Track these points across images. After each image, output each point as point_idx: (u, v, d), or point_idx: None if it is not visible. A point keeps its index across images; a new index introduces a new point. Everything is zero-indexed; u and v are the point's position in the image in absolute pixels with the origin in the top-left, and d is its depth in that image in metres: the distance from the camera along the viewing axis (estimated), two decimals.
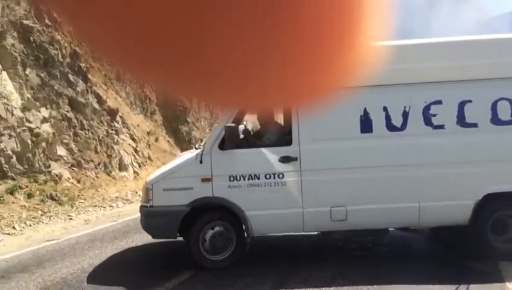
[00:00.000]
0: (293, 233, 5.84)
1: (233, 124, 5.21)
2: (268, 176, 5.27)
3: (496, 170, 5.19)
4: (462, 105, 5.21)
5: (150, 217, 5.46)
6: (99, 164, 12.71)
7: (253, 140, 5.69)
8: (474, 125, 5.20)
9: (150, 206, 5.39)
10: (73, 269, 5.55)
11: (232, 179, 5.26)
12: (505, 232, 5.42)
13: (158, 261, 5.94)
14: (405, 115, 5.20)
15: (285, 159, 5.27)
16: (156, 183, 5.37)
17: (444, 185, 5.19)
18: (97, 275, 5.35)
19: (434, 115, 5.18)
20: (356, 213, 5.24)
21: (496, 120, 5.18)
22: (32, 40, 11.97)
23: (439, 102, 5.21)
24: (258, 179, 5.26)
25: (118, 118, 15.04)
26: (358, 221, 5.30)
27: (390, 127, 5.22)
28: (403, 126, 5.21)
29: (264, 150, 5.36)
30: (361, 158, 5.23)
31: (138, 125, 16.36)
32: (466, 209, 5.23)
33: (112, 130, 14.40)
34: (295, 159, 5.26)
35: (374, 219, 5.29)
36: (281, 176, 5.27)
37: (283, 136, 5.56)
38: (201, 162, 5.27)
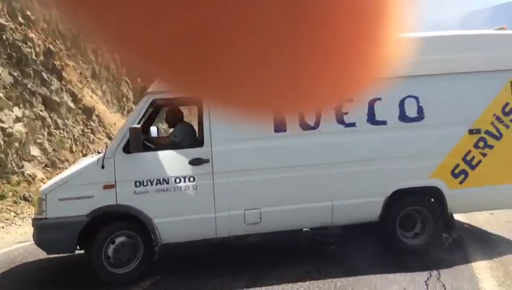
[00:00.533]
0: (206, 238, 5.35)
1: (138, 126, 4.93)
2: (178, 180, 5.00)
3: (403, 167, 5.30)
4: (372, 103, 5.26)
5: (44, 231, 4.89)
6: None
7: (161, 142, 5.50)
8: (384, 122, 5.27)
9: (44, 218, 4.83)
10: (46, 270, 5.47)
11: (138, 184, 4.91)
12: (413, 227, 5.58)
13: None
14: (318, 113, 5.08)
15: (196, 162, 5.02)
16: (50, 193, 4.85)
17: (355, 182, 5.25)
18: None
19: (346, 113, 5.15)
20: (270, 215, 5.14)
21: (403, 117, 5.28)
22: (4, 38, 11.69)
23: (350, 100, 5.20)
24: (167, 183, 4.97)
25: (94, 117, 14.82)
26: (273, 223, 5.22)
27: (304, 125, 5.17)
28: (316, 125, 5.18)
29: (173, 152, 5.10)
30: (275, 158, 5.16)
31: (115, 124, 16.13)
32: (376, 206, 5.32)
33: (88, 128, 14.18)
34: (207, 161, 5.03)
35: (288, 220, 5.24)
36: (191, 179, 5.01)
37: (193, 137, 5.45)
38: (103, 167, 4.87)
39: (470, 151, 5.39)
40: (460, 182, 5.41)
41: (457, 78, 5.36)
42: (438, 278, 4.66)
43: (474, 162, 5.40)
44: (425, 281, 4.59)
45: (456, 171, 5.40)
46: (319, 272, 5.01)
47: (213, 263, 5.46)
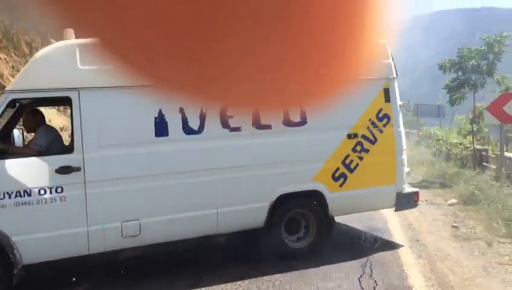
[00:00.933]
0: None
1: None
2: (42, 192, 4.38)
3: (287, 171, 5.30)
4: None
5: None
6: None
7: (23, 149, 4.97)
8: (268, 127, 5.19)
9: None
10: None
11: None
12: (298, 231, 5.64)
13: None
14: (202, 117, 4.95)
15: (65, 170, 4.45)
16: None
17: (241, 189, 5.13)
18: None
19: (231, 117, 4.90)
20: (151, 226, 4.77)
21: (287, 121, 5.25)
22: None
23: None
24: (29, 195, 4.34)
25: None
26: (154, 235, 4.84)
27: (187, 130, 4.92)
28: (200, 129, 4.96)
29: (37, 159, 4.47)
30: (156, 165, 4.82)
31: (50, 121, 15.41)
32: (262, 211, 5.24)
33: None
34: (77, 169, 4.50)
35: (170, 231, 4.90)
36: (59, 190, 4.43)
37: (59, 142, 4.99)
38: None
39: (348, 155, 5.55)
40: (340, 185, 5.54)
41: None
42: (371, 275, 4.87)
43: (352, 166, 5.57)
44: (359, 278, 4.79)
45: (337, 175, 5.51)
46: (257, 271, 5.07)
47: (151, 268, 5.36)
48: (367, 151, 5.61)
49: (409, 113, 32.87)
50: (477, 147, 12.68)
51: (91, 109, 4.57)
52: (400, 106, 5.83)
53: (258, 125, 5.13)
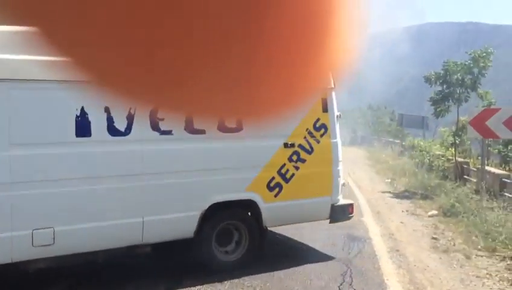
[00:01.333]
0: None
1: None
2: None
3: (221, 179, 5.08)
4: None
5: None
6: None
7: None
8: (202, 131, 4.83)
9: None
10: None
11: None
12: (230, 242, 5.39)
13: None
14: (130, 117, 4.53)
15: None
16: None
17: (170, 196, 4.83)
18: None
19: (162, 119, 4.53)
20: (66, 235, 4.34)
21: (222, 127, 4.91)
22: None
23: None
24: None
25: None
26: (70, 244, 4.39)
27: (113, 131, 4.53)
28: (127, 130, 4.59)
29: None
30: (75, 167, 4.43)
31: None
32: (192, 221, 4.95)
33: None
34: None
35: (89, 240, 4.47)
36: None
37: None
38: None
39: (284, 165, 5.40)
40: (275, 195, 5.38)
41: None
42: (351, 284, 4.91)
43: (288, 176, 5.43)
44: (339, 287, 4.82)
45: (272, 185, 5.35)
46: (243, 269, 5.06)
47: (127, 276, 5.31)
48: (303, 161, 5.51)
49: (393, 123, 33.24)
50: (459, 159, 12.87)
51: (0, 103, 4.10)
52: (337, 116, 5.78)
53: (191, 129, 4.79)
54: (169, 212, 4.80)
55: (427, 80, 12.63)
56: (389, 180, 14.01)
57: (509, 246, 6.13)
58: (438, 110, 12.56)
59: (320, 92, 5.56)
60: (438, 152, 15.48)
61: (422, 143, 17.87)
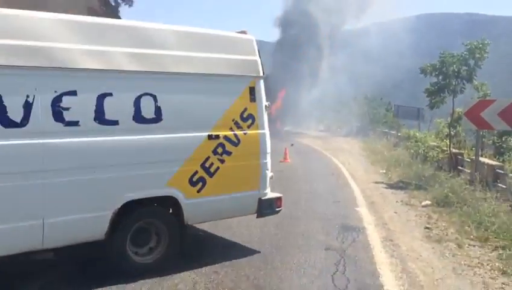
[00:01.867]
0: None
1: None
2: None
3: (136, 174, 4.66)
4: (101, 98, 4.44)
5: None
6: None
7: None
8: (115, 122, 4.51)
9: None
10: None
11: None
12: (147, 242, 4.94)
13: None
14: (28, 106, 4.07)
15: None
16: None
17: (76, 195, 4.34)
18: None
19: (67, 109, 4.23)
20: None
21: (138, 118, 4.63)
22: None
23: (73, 93, 4.30)
24: None
25: None
26: None
27: (7, 121, 3.98)
28: (25, 121, 4.06)
29: None
30: None
31: None
32: (102, 222, 4.47)
33: None
34: None
35: None
36: None
37: None
38: None
39: (208, 158, 5.10)
40: (198, 191, 5.05)
41: (196, 79, 5.07)
42: (344, 273, 4.95)
43: (212, 169, 5.12)
44: (332, 276, 4.86)
45: (194, 179, 5.02)
46: (229, 264, 5.09)
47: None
48: (229, 153, 5.23)
49: (389, 114, 33.27)
50: (454, 150, 12.93)
51: None
52: (265, 106, 5.57)
53: (102, 120, 4.43)
54: (75, 213, 4.32)
55: (423, 71, 12.63)
56: (384, 170, 14.07)
57: (501, 236, 6.19)
58: (433, 101, 12.58)
59: (247, 81, 5.38)
60: (432, 143, 15.54)
61: (417, 134, 17.92)
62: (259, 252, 5.64)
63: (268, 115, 5.71)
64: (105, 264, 4.75)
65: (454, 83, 12.04)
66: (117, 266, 4.69)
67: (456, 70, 11.97)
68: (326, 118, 45.43)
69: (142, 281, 4.59)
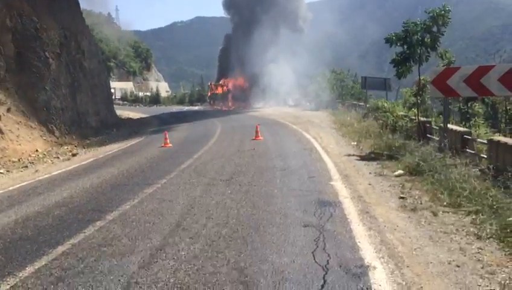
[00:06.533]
0: None
1: None
2: None
3: None
4: None
5: None
6: None
7: None
8: None
9: None
10: None
11: None
12: None
13: None
14: None
15: None
16: None
17: None
18: None
19: None
20: None
21: None
22: None
23: None
24: None
25: None
26: None
27: None
28: None
29: None
30: None
31: None
32: None
33: None
34: None
35: None
36: None
37: None
38: None
39: None
40: None
41: None
42: (324, 249, 4.94)
43: None
44: (313, 253, 4.84)
45: None
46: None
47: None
48: None
49: (356, 86, 33.56)
50: (422, 119, 13.12)
51: None
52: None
53: None
54: None
55: (388, 41, 12.65)
56: (355, 142, 14.20)
57: (473, 201, 6.31)
58: (399, 71, 12.65)
59: None
60: (401, 113, 15.75)
61: (385, 104, 18.13)
62: (237, 233, 5.57)
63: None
64: None
65: (419, 51, 12.13)
66: None
67: (420, 38, 12.05)
68: (295, 93, 45.54)
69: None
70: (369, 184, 8.29)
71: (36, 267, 4.82)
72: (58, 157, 14.31)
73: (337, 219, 6.06)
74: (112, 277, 4.41)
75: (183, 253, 4.96)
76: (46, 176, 10.99)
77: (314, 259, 4.68)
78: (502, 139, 8.19)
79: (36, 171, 11.91)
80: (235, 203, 7.06)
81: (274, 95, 45.81)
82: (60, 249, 5.33)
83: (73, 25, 22.99)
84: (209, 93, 56.24)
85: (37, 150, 15.01)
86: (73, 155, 14.78)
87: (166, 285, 4.18)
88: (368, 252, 4.84)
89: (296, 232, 5.54)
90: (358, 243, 5.12)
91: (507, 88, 9.53)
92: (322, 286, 4.02)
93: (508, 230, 5.13)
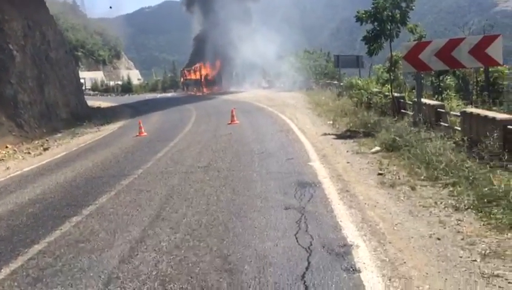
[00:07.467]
0: None
1: None
2: None
3: None
4: None
5: None
6: None
7: None
8: None
9: None
10: None
11: None
12: None
13: None
14: None
15: None
16: None
17: None
18: None
19: None
20: None
21: None
22: None
23: None
24: None
25: None
26: None
27: None
28: None
29: None
30: None
31: None
32: None
33: None
34: None
35: None
36: None
37: None
38: None
39: None
40: None
41: None
42: (306, 230, 4.92)
43: None
44: (295, 235, 4.82)
45: None
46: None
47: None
48: None
49: (329, 65, 33.61)
50: (395, 94, 13.23)
51: None
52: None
53: None
54: None
55: (359, 19, 12.62)
56: (331, 121, 14.25)
57: (450, 173, 6.40)
58: (371, 48, 12.67)
59: None
60: (375, 89, 15.84)
61: (359, 82, 18.21)
62: (218, 220, 5.51)
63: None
64: None
65: (389, 27, 12.15)
66: None
67: (390, 14, 12.07)
68: (267, 75, 45.35)
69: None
70: (347, 162, 8.32)
71: (12, 268, 4.65)
72: (29, 153, 13.90)
73: (317, 200, 6.05)
74: (91, 274, 4.29)
75: (164, 244, 4.87)
76: (18, 172, 10.65)
77: (297, 241, 4.65)
78: (475, 110, 8.32)
79: (7, 168, 11.53)
80: (215, 190, 6.98)
81: (247, 78, 45.55)
82: (36, 248, 5.16)
83: (36, 15, 22.14)
84: (182, 80, 55.53)
85: (6, 147, 14.54)
86: (45, 149, 14.39)
87: (149, 278, 4.09)
88: (350, 231, 4.85)
89: (278, 215, 5.51)
90: (340, 223, 5.13)
91: (478, 60, 9.67)
92: (307, 268, 4.00)
93: (485, 200, 5.21)
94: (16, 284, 4.28)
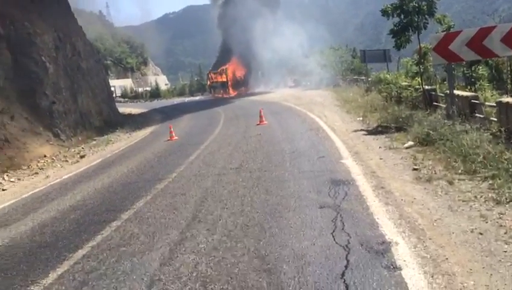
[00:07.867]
0: None
1: None
2: None
3: None
4: None
5: None
6: None
7: None
8: None
9: None
10: None
11: None
12: None
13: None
14: None
15: None
16: None
17: None
18: None
19: None
20: None
21: None
22: None
23: None
24: None
25: None
26: None
27: None
28: None
29: None
30: None
31: None
32: None
33: None
34: None
35: None
36: None
37: None
38: None
39: None
40: None
41: None
42: (343, 229, 4.90)
43: None
44: (332, 233, 4.81)
45: None
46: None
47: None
48: None
49: (356, 60, 33.22)
50: (426, 87, 12.97)
51: None
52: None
53: None
54: None
55: (384, 13, 12.45)
56: (361, 118, 14.10)
57: (489, 166, 6.23)
58: (398, 41, 12.48)
59: None
60: (404, 83, 15.58)
61: (388, 76, 17.93)
62: (254, 221, 5.55)
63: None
64: None
65: (416, 19, 11.94)
66: None
67: (416, 6, 11.85)
68: (294, 73, 45.22)
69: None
70: (380, 158, 8.22)
71: (59, 273, 4.83)
72: (66, 161, 14.35)
73: (352, 197, 6.01)
74: (134, 276, 4.41)
75: (202, 246, 4.95)
76: (57, 180, 11.02)
77: (334, 240, 4.64)
78: (511, 100, 8.07)
79: (47, 176, 11.94)
80: (248, 191, 7.03)
81: (273, 78, 45.51)
82: (80, 252, 5.34)
83: (66, 27, 22.81)
84: (208, 83, 55.96)
85: (45, 156, 15.04)
86: (82, 157, 14.81)
87: (190, 279, 4.17)
88: (388, 228, 4.80)
89: (313, 214, 5.51)
90: (377, 220, 5.08)
91: (510, 48, 9.37)
92: (346, 267, 3.99)
93: None
94: (63, 288, 4.44)
